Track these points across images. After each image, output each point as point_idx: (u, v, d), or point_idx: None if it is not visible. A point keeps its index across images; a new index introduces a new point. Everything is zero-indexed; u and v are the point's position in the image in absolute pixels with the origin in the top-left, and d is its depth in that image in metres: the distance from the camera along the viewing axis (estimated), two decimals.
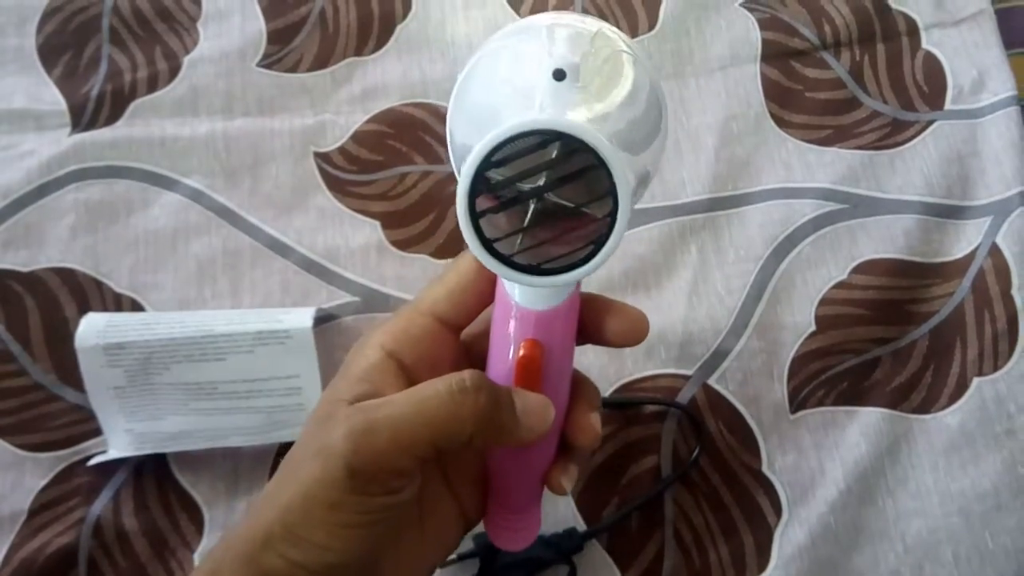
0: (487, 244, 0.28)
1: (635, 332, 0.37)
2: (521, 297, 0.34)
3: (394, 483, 0.32)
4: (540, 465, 0.38)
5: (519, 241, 0.28)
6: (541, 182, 0.28)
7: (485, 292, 0.36)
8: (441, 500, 0.38)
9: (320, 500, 0.31)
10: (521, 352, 0.34)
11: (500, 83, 0.31)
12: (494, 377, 0.36)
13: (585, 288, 0.36)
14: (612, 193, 0.27)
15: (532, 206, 0.28)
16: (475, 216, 0.28)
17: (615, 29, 0.33)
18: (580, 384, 0.38)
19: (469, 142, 0.29)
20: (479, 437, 0.32)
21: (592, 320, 0.36)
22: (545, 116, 0.27)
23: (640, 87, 0.31)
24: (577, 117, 0.27)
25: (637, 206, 0.59)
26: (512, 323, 0.34)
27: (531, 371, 0.34)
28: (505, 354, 0.35)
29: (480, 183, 0.28)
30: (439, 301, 0.37)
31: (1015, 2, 0.66)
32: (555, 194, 0.28)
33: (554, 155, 0.27)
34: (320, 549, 0.32)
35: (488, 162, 0.27)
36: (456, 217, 0.29)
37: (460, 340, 0.38)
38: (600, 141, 0.27)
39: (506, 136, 0.27)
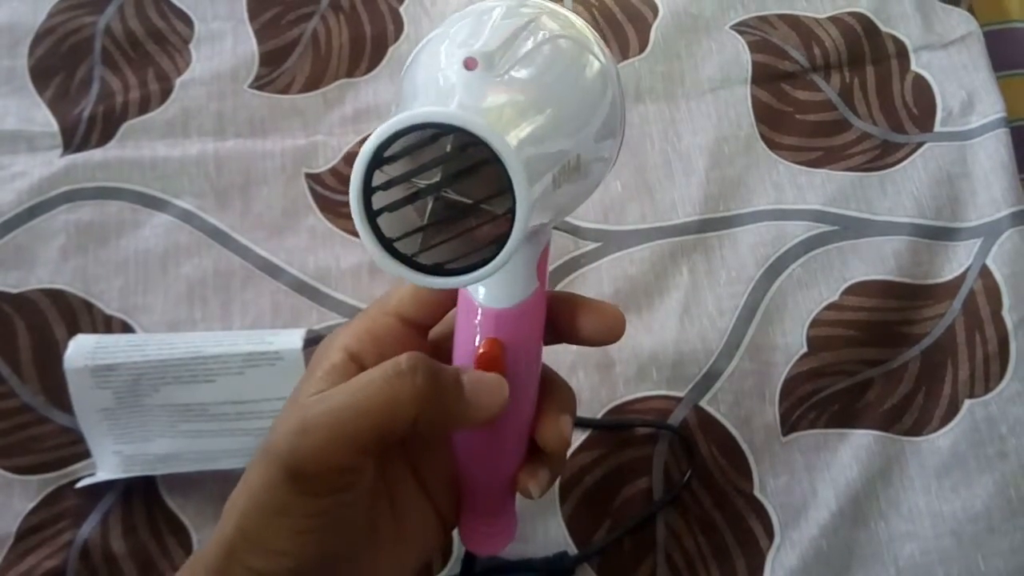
0: (386, 243, 0.26)
1: (611, 330, 0.36)
2: (483, 296, 0.33)
3: (338, 480, 0.31)
4: (508, 467, 0.37)
5: (419, 240, 0.27)
6: (437, 177, 0.26)
7: (450, 293, 0.36)
8: (415, 501, 0.37)
9: (268, 506, 0.31)
10: (481, 351, 0.33)
11: (418, 74, 0.29)
12: None
13: None
14: (511, 189, 0.25)
15: (430, 203, 0.27)
16: (371, 214, 0.26)
17: (566, 12, 0.31)
18: (552, 386, 0.37)
19: None
20: (425, 421, 0.31)
21: (565, 318, 0.36)
22: (428, 109, 0.25)
23: (574, 71, 0.30)
24: (481, 110, 0.26)
25: (631, 226, 0.59)
26: (474, 322, 0.34)
27: (493, 370, 0.33)
28: (468, 354, 0.34)
29: (375, 179, 0.26)
30: (404, 301, 0.36)
31: (1005, 24, 0.67)
32: (453, 190, 0.26)
33: (448, 149, 0.26)
34: (278, 555, 0.31)
35: (381, 157, 0.25)
36: None
37: (426, 340, 0.37)
38: (490, 133, 0.24)
39: (392, 131, 0.25)
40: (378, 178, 0.25)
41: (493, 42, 0.28)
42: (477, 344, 0.34)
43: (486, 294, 0.33)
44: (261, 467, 0.31)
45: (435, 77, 0.28)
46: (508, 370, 0.34)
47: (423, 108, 0.25)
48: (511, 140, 0.25)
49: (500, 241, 0.26)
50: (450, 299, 0.36)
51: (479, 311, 0.34)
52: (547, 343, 0.36)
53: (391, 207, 0.26)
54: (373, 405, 0.30)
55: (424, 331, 0.37)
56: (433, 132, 0.25)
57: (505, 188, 0.25)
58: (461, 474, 0.39)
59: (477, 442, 0.37)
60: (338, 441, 0.30)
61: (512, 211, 0.25)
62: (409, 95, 0.29)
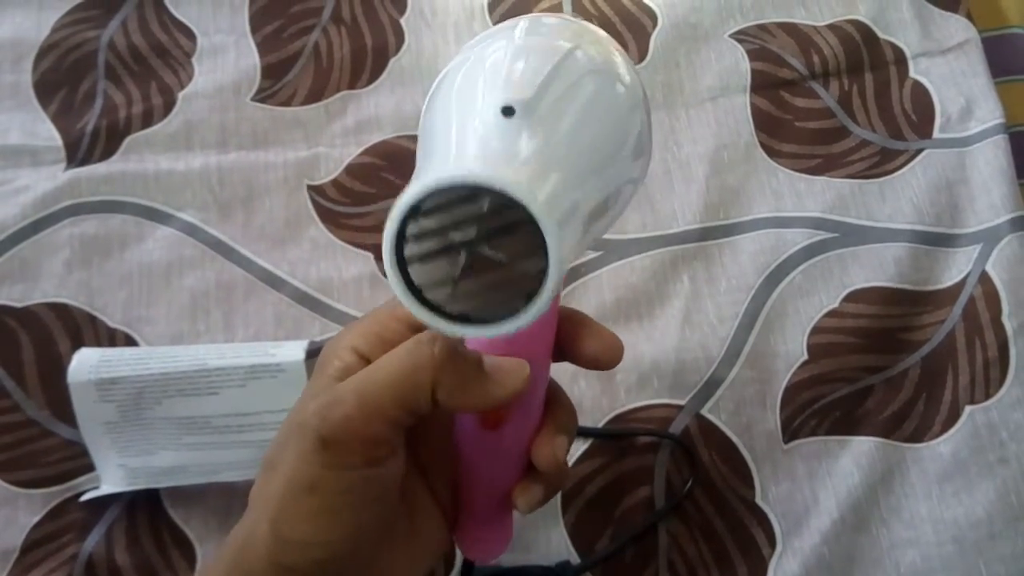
0: (416, 291, 0.27)
1: (608, 357, 0.36)
2: None
3: (369, 452, 0.32)
4: (507, 476, 0.38)
5: (449, 291, 0.27)
6: (472, 234, 0.26)
7: None
8: (425, 502, 0.38)
9: (299, 484, 0.31)
10: None
11: (448, 110, 0.29)
12: None
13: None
14: (544, 252, 0.26)
15: (463, 257, 0.27)
16: (402, 262, 0.27)
17: (599, 36, 0.31)
18: (556, 404, 0.38)
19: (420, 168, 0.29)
20: (444, 391, 0.32)
21: (570, 337, 0.36)
22: (473, 172, 0.25)
23: (608, 109, 0.30)
24: (519, 167, 0.26)
25: (632, 235, 0.59)
26: (481, 340, 0.34)
27: None
28: None
29: (409, 229, 0.26)
30: None
31: (1004, 30, 0.67)
32: (487, 247, 0.27)
33: (485, 207, 0.26)
34: (305, 546, 0.32)
35: (416, 210, 0.26)
36: None
37: None
38: (532, 201, 0.25)
39: (430, 190, 0.25)
40: (411, 228, 0.26)
41: (530, 88, 0.28)
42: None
43: None
44: (291, 448, 0.32)
45: (471, 120, 0.28)
46: None
47: (462, 168, 0.25)
48: (547, 199, 0.25)
49: (530, 296, 0.26)
50: None
51: None
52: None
53: (423, 258, 0.27)
54: (395, 374, 0.32)
55: None
56: (471, 190, 0.25)
57: (538, 247, 0.25)
58: (462, 479, 0.39)
59: (477, 452, 0.38)
60: (366, 409, 0.31)
61: (544, 271, 0.26)
62: (441, 132, 0.29)
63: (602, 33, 0.32)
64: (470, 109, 0.28)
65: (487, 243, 0.26)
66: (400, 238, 0.26)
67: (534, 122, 0.27)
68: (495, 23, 0.66)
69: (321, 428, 0.31)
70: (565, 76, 0.29)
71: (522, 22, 0.32)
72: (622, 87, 0.31)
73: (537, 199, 0.25)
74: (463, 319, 0.27)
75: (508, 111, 0.27)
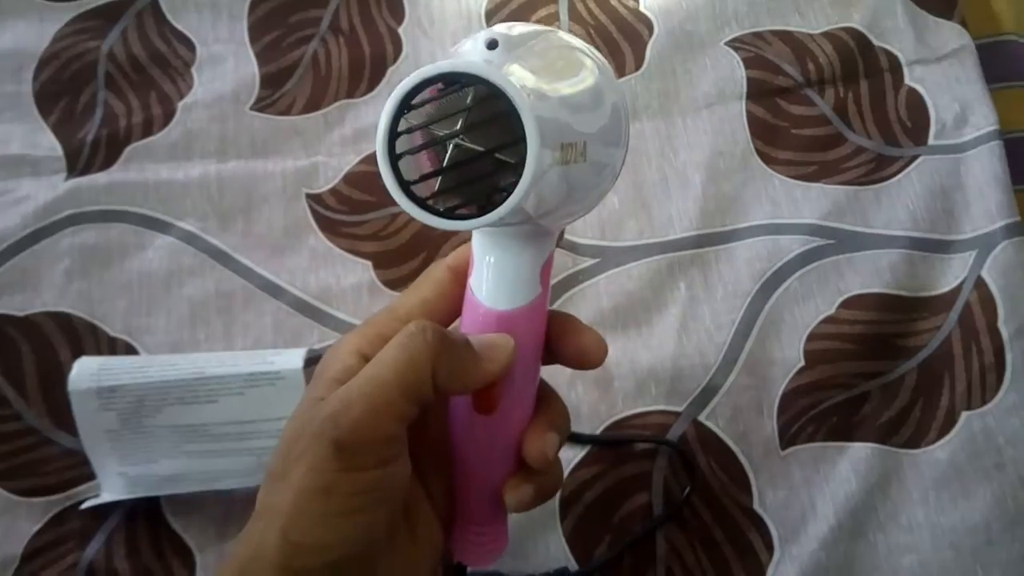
0: (404, 186, 0.29)
1: (593, 353, 0.37)
2: (486, 296, 0.35)
3: (382, 451, 0.33)
4: (500, 473, 0.39)
5: (436, 184, 0.29)
6: (457, 126, 0.28)
7: (458, 301, 0.37)
8: (423, 507, 0.38)
9: (313, 490, 0.32)
10: None
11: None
12: None
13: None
14: (523, 138, 0.28)
15: (449, 150, 0.29)
16: (394, 157, 0.28)
17: (572, 39, 0.34)
18: (548, 402, 0.39)
19: None
20: (443, 375, 0.33)
21: (557, 337, 0.37)
22: (455, 61, 0.28)
23: (583, 77, 0.32)
24: (495, 67, 0.28)
25: (629, 242, 0.59)
26: (476, 323, 0.36)
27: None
28: None
29: (399, 125, 0.28)
30: (414, 309, 0.38)
31: (998, 37, 0.67)
32: (470, 138, 0.28)
33: (469, 100, 0.28)
34: (319, 550, 0.32)
35: (407, 104, 0.28)
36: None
37: None
38: (510, 85, 0.27)
39: (421, 79, 0.28)
40: (401, 124, 0.28)
41: (511, 30, 0.31)
42: None
43: (490, 294, 0.35)
44: (304, 457, 0.32)
45: (457, 53, 0.31)
46: (513, 370, 0.35)
47: (451, 60, 0.28)
48: (522, 88, 0.28)
49: (510, 189, 0.28)
50: (457, 309, 0.38)
51: (482, 310, 0.35)
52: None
53: (412, 151, 0.28)
54: (396, 367, 0.32)
55: None
56: (459, 85, 0.28)
57: (518, 139, 0.28)
58: (457, 478, 0.39)
59: (471, 442, 0.38)
60: (377, 409, 0.32)
61: (523, 160, 0.28)
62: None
63: (584, 43, 0.35)
64: (457, 49, 0.32)
65: (470, 135, 0.28)
66: (392, 133, 0.28)
67: (513, 56, 0.30)
68: None
69: (335, 434, 0.31)
70: (541, 39, 0.32)
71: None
72: (594, 64, 0.34)
73: (513, 84, 0.27)
74: (447, 215, 0.29)
75: (492, 44, 0.30)
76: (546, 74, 0.31)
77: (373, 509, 0.33)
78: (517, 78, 0.29)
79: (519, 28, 0.32)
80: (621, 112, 0.34)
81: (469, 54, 0.31)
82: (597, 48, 0.65)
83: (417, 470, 0.38)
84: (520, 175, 0.28)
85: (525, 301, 0.35)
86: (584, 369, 0.38)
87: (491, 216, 0.28)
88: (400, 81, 0.28)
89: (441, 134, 0.28)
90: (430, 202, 0.29)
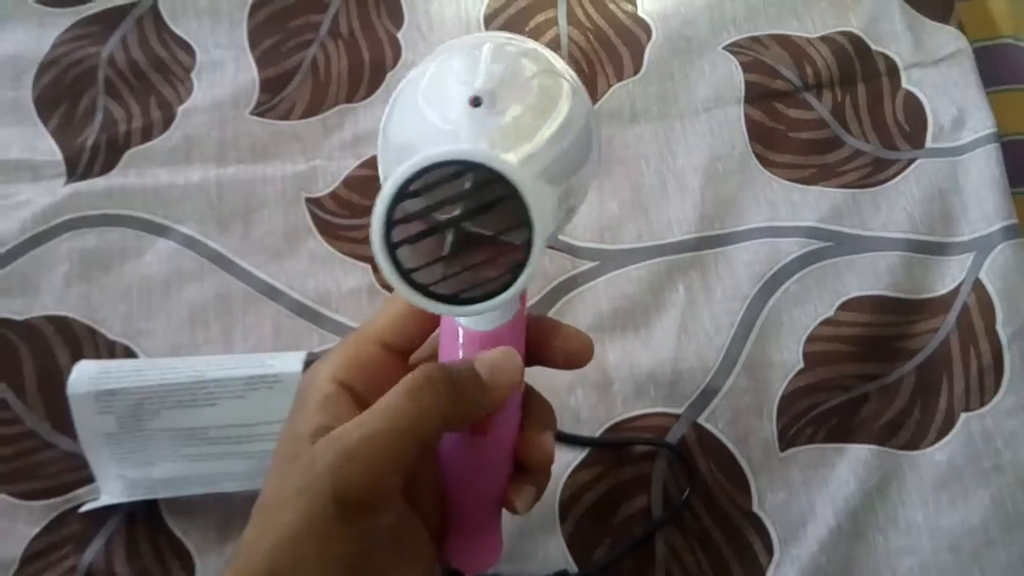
0: (405, 274, 0.28)
1: (579, 355, 0.37)
2: (467, 320, 0.35)
3: (384, 500, 0.33)
4: (494, 485, 0.38)
5: (438, 271, 0.28)
6: (457, 212, 0.28)
7: (430, 317, 0.37)
8: (413, 523, 0.38)
9: (310, 536, 0.31)
10: None
11: (418, 112, 0.31)
12: None
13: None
14: (528, 222, 0.27)
15: (449, 236, 0.28)
16: (391, 246, 0.28)
17: (544, 49, 0.33)
18: (533, 403, 0.39)
19: (389, 173, 0.30)
20: (453, 422, 0.33)
21: (539, 341, 0.37)
22: (457, 148, 0.27)
23: (562, 110, 0.31)
24: (493, 146, 0.28)
25: (628, 245, 0.59)
26: (459, 345, 0.35)
27: None
28: None
29: (396, 213, 0.27)
30: (385, 328, 0.37)
31: (995, 40, 0.67)
32: (472, 223, 0.28)
33: (468, 185, 0.27)
34: None
35: (403, 193, 0.27)
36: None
37: (408, 365, 0.38)
38: (513, 171, 0.27)
39: (419, 168, 0.27)
40: (397, 213, 0.27)
41: (491, 81, 0.30)
42: None
43: (476, 320, 0.35)
44: (301, 502, 0.32)
45: (440, 111, 0.30)
46: None
47: (450, 147, 0.27)
48: (522, 165, 0.27)
49: (515, 270, 0.28)
50: (429, 324, 0.37)
51: (464, 334, 0.35)
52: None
53: (410, 240, 0.28)
54: (403, 424, 0.32)
55: (405, 356, 0.38)
56: (456, 169, 0.27)
57: (521, 221, 0.27)
58: (448, 493, 0.39)
59: (464, 460, 0.38)
60: (383, 466, 0.32)
61: (529, 241, 0.27)
62: (412, 126, 0.31)
63: (548, 51, 0.34)
64: (438, 107, 0.30)
65: (472, 220, 0.28)
66: (388, 223, 0.27)
67: (500, 110, 0.29)
68: None
69: (338, 491, 0.31)
70: (523, 69, 0.31)
71: (459, 41, 0.34)
72: (566, 84, 0.33)
73: (517, 169, 0.27)
74: (452, 300, 0.28)
75: (476, 101, 0.29)
76: (529, 118, 0.30)
77: (369, 549, 0.33)
78: (512, 148, 0.28)
79: (494, 68, 0.31)
80: (592, 127, 0.34)
81: (449, 110, 0.29)
82: (596, 53, 0.66)
83: (405, 487, 0.38)
84: (528, 253, 0.27)
85: (507, 318, 0.35)
86: (572, 368, 0.38)
87: (499, 299, 0.28)
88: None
89: (442, 219, 0.28)
90: (432, 288, 0.28)
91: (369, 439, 0.32)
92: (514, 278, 0.28)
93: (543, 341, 0.37)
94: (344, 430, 0.32)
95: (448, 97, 0.30)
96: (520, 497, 0.38)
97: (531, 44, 0.34)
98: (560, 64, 0.34)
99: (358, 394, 0.35)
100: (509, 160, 0.27)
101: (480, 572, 0.41)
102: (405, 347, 0.38)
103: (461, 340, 0.35)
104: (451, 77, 0.31)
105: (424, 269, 0.28)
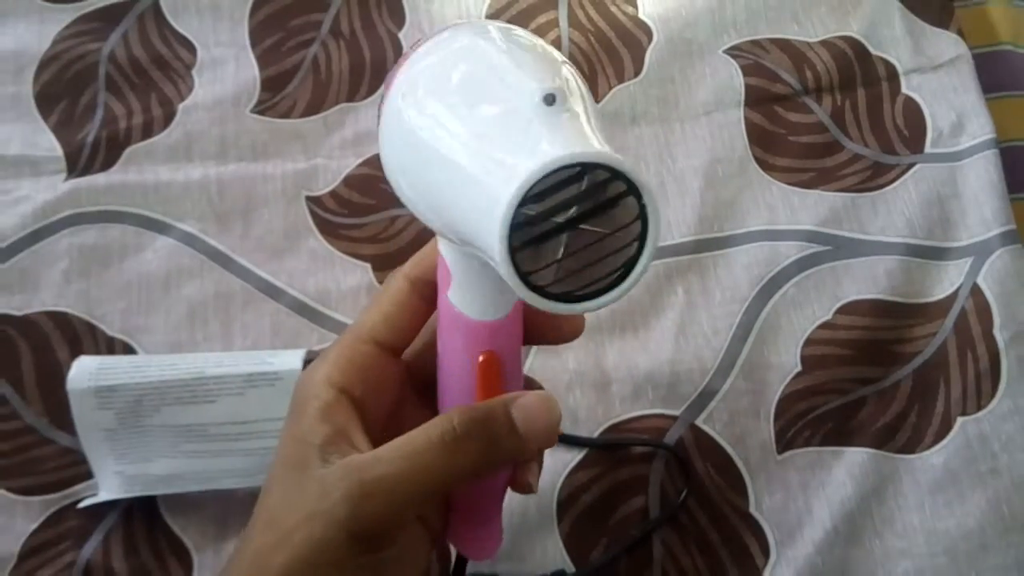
0: (524, 278, 0.28)
1: (571, 327, 0.38)
2: (472, 310, 0.34)
3: (395, 534, 0.33)
4: (500, 479, 0.39)
5: (554, 272, 0.28)
6: (573, 212, 0.27)
7: (421, 312, 0.37)
8: (417, 536, 0.38)
9: (322, 564, 0.31)
10: (481, 359, 0.35)
11: (471, 107, 0.30)
12: (450, 393, 0.37)
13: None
14: (641, 217, 0.27)
15: (565, 238, 0.28)
16: (512, 251, 0.27)
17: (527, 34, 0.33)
18: (532, 387, 0.40)
19: (433, 174, 0.29)
20: (484, 474, 0.33)
21: (531, 320, 0.37)
22: (582, 150, 0.26)
23: (589, 94, 0.31)
24: (596, 143, 0.27)
25: None
26: (463, 337, 0.35)
27: (493, 382, 0.35)
28: (459, 369, 0.36)
29: (517, 218, 0.27)
30: (377, 326, 0.37)
31: (994, 47, 0.68)
32: (589, 223, 0.28)
33: (585, 185, 0.27)
34: None
35: (524, 201, 0.27)
36: None
37: (401, 361, 0.38)
38: (633, 169, 0.27)
39: (544, 172, 0.26)
40: (518, 217, 0.27)
41: (562, 77, 0.30)
42: (473, 359, 0.35)
43: (478, 308, 0.35)
44: (314, 527, 0.31)
45: (499, 111, 0.29)
46: (505, 375, 0.35)
47: (577, 150, 0.26)
48: (640, 170, 0.27)
49: (627, 265, 0.28)
50: (421, 319, 0.37)
51: (470, 326, 0.35)
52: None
53: (529, 244, 0.27)
54: (432, 471, 0.32)
55: (398, 353, 0.38)
56: (577, 171, 0.26)
57: (634, 217, 0.27)
58: (450, 495, 0.39)
59: None
60: (402, 506, 0.32)
61: (641, 237, 0.27)
62: (455, 126, 0.30)
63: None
64: (501, 105, 0.29)
65: (588, 220, 0.28)
66: (510, 233, 0.27)
67: (568, 105, 0.28)
68: None
69: (352, 526, 0.31)
70: (559, 64, 0.31)
71: (468, 27, 0.33)
72: (571, 66, 0.32)
73: (631, 164, 0.27)
74: (569, 298, 0.28)
75: (550, 99, 0.28)
76: (589, 109, 0.29)
77: (381, 570, 0.33)
78: (604, 144, 0.28)
79: (547, 56, 0.31)
80: None
81: (525, 111, 0.28)
82: (597, 55, 0.66)
83: None
84: (639, 248, 0.28)
85: (509, 309, 0.35)
86: (564, 341, 0.39)
87: (615, 294, 0.28)
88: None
89: (560, 221, 0.27)
90: (549, 289, 0.28)
91: (393, 479, 0.31)
92: (626, 273, 0.28)
93: (535, 319, 0.37)
94: (364, 461, 0.32)
95: (505, 95, 0.29)
96: (532, 476, 0.38)
97: (534, 37, 0.33)
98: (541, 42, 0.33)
99: (356, 398, 0.35)
100: (625, 159, 0.27)
101: (486, 557, 0.41)
102: (397, 344, 0.38)
103: (465, 333, 0.35)
104: (505, 73, 0.30)
105: (541, 271, 0.28)
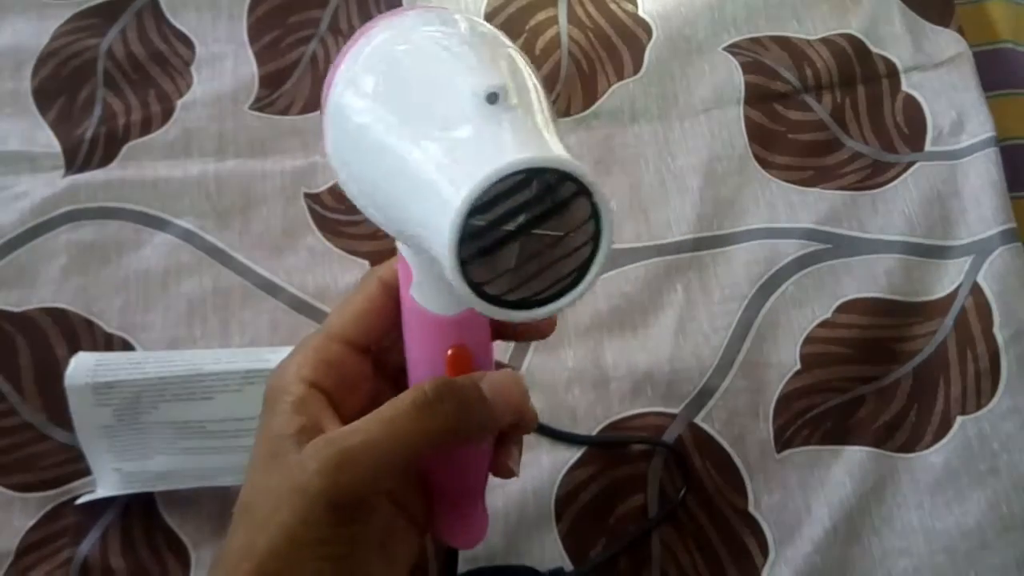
0: (477, 289, 0.27)
1: (546, 322, 0.38)
2: (435, 305, 0.34)
3: (374, 503, 0.33)
4: (480, 462, 0.39)
5: (508, 280, 0.28)
6: (523, 219, 0.27)
7: (392, 312, 0.37)
8: (393, 517, 0.38)
9: (306, 539, 0.31)
10: (450, 353, 0.35)
11: (410, 108, 0.29)
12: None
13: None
14: (595, 216, 0.27)
15: (516, 245, 0.27)
16: (462, 264, 0.26)
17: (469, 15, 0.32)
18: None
19: (378, 174, 0.29)
20: (456, 441, 0.33)
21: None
22: (531, 156, 0.25)
23: (538, 84, 0.30)
24: (543, 145, 0.26)
25: (626, 245, 0.60)
26: (428, 332, 0.35)
27: (464, 371, 0.35)
28: (427, 363, 0.36)
29: (465, 230, 0.26)
30: (348, 325, 0.37)
31: (994, 45, 0.68)
32: (541, 228, 0.27)
33: (534, 190, 0.26)
34: None
35: (471, 212, 0.25)
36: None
37: (372, 361, 0.38)
38: (584, 171, 0.26)
39: (489, 183, 0.25)
40: (466, 229, 0.26)
41: (504, 72, 0.29)
42: (441, 354, 0.35)
43: (439, 303, 0.34)
44: (293, 503, 0.32)
45: (451, 104, 0.28)
46: (475, 369, 0.35)
47: (525, 155, 0.25)
48: (589, 170, 0.26)
49: (581, 268, 0.28)
50: (391, 320, 0.37)
51: (435, 321, 0.35)
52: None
53: (480, 254, 0.27)
54: (407, 436, 0.32)
55: (368, 351, 0.38)
56: (524, 177, 0.26)
57: (586, 218, 0.27)
58: (433, 479, 0.39)
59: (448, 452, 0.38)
60: (380, 472, 0.32)
61: (595, 238, 0.27)
62: (393, 121, 0.29)
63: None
64: (442, 92, 0.28)
65: (539, 225, 0.27)
66: (459, 245, 0.26)
67: (511, 102, 0.27)
68: None
69: (332, 494, 0.31)
70: (507, 57, 0.30)
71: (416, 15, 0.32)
72: (516, 51, 0.32)
73: (585, 168, 0.26)
74: (525, 305, 0.28)
75: (493, 98, 0.27)
76: (534, 103, 0.29)
77: (359, 551, 0.33)
78: (555, 143, 0.27)
79: (496, 54, 0.30)
80: None
81: (460, 104, 0.27)
82: (596, 53, 0.66)
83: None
84: (594, 248, 0.27)
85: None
86: (538, 339, 0.39)
87: (572, 295, 0.28)
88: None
89: (510, 229, 0.27)
90: (504, 297, 0.27)
91: (370, 445, 0.32)
92: (583, 272, 0.28)
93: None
94: (341, 433, 0.32)
95: (444, 94, 0.28)
96: (512, 459, 0.38)
97: (459, 14, 0.32)
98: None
99: (328, 393, 0.35)
100: (574, 160, 0.26)
101: (471, 546, 0.41)
102: (369, 343, 0.38)
103: (430, 329, 0.35)
104: (444, 70, 0.29)
105: (496, 281, 0.27)
